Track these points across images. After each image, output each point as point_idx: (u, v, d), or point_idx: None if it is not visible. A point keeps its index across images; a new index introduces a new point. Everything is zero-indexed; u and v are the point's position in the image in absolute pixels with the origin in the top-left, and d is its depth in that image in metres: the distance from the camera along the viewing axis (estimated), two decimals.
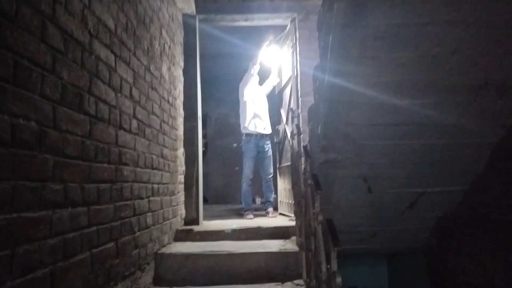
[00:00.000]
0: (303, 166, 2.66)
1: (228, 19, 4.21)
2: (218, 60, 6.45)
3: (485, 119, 2.49)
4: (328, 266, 1.74)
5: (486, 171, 2.81)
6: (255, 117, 4.60)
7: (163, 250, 2.87)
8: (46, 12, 1.40)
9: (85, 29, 1.70)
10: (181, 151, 3.67)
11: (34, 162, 1.32)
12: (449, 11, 1.86)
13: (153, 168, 2.67)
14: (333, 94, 2.40)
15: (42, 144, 1.36)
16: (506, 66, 2.14)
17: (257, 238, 3.33)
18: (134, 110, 2.32)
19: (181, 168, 3.65)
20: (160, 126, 2.91)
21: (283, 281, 2.63)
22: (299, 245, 2.81)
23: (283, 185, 4.62)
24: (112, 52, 2.00)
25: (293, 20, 4.16)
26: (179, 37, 3.81)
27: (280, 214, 4.59)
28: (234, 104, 5.44)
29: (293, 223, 3.29)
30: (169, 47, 3.32)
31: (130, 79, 2.26)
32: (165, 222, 3.00)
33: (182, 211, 3.65)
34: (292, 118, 3.32)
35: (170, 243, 3.16)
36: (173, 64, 3.46)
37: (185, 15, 3.96)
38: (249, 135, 4.60)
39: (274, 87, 5.04)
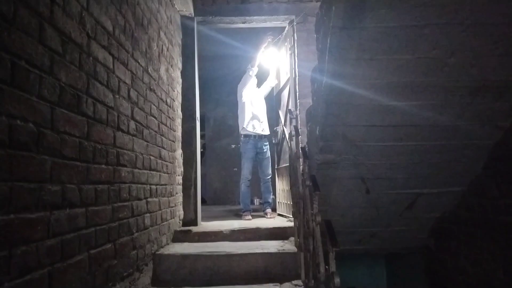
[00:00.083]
0: (301, 167, 2.66)
1: (226, 21, 4.22)
2: (216, 61, 6.46)
3: (483, 120, 2.50)
4: (327, 266, 1.74)
5: (483, 172, 2.82)
6: (253, 118, 4.61)
7: (162, 251, 2.87)
8: (44, 14, 1.40)
9: (83, 31, 1.70)
10: (179, 152, 3.67)
11: (32, 163, 1.32)
12: (447, 13, 1.86)
13: (151, 169, 2.67)
14: (331, 96, 2.40)
15: (39, 145, 1.36)
16: (503, 68, 2.15)
17: (255, 239, 3.34)
18: (132, 111, 2.32)
19: (179, 169, 3.66)
20: (158, 127, 2.91)
21: (281, 281, 2.63)
22: (298, 245, 2.81)
23: (282, 186, 4.63)
24: (110, 53, 2.01)
25: (291, 22, 4.17)
26: (177, 39, 3.81)
27: (279, 215, 4.60)
28: (232, 106, 5.46)
29: (291, 224, 3.30)
30: (167, 49, 3.32)
31: (128, 81, 2.27)
32: (163, 223, 3.00)
33: (180, 212, 3.65)
34: (290, 119, 3.33)
35: (168, 244, 3.15)
36: (171, 66, 3.46)
37: (183, 17, 3.97)
38: (247, 136, 4.61)
39: (272, 89, 5.05)
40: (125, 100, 2.20)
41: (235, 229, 3.43)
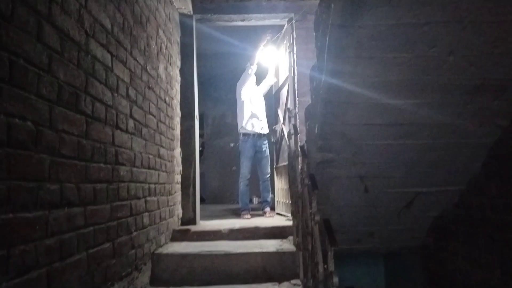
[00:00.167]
0: (300, 166, 2.66)
1: (225, 19, 4.21)
2: (215, 59, 6.45)
3: (482, 119, 2.50)
4: (325, 266, 1.74)
5: (482, 171, 2.82)
6: (252, 117, 4.61)
7: (160, 250, 2.86)
8: (42, 12, 1.39)
9: (81, 29, 1.69)
10: (178, 151, 3.67)
11: (30, 162, 1.31)
12: (446, 12, 1.86)
13: (149, 168, 2.66)
14: (330, 94, 2.40)
15: (38, 144, 1.35)
16: (502, 67, 2.15)
17: (254, 238, 3.33)
18: (131, 109, 2.31)
19: (178, 168, 3.65)
20: (157, 125, 2.90)
21: (280, 281, 2.63)
22: (296, 245, 2.81)
23: (280, 185, 4.63)
24: (109, 51, 2.00)
25: (290, 20, 4.16)
26: (176, 36, 3.80)
27: (277, 214, 4.60)
28: (231, 104, 5.45)
29: (290, 223, 3.29)
30: (166, 47, 3.31)
31: (127, 79, 2.26)
32: (162, 222, 2.99)
33: (179, 211, 3.64)
34: (289, 118, 3.33)
35: (167, 243, 3.15)
36: (170, 64, 3.46)
37: (182, 15, 3.96)
38: (246, 135, 4.60)
39: (271, 87, 5.05)
40: (123, 98, 2.19)
41: (234, 228, 3.43)
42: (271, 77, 4.91)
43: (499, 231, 2.64)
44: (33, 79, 1.33)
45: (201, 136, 5.76)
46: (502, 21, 1.90)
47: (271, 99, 5.26)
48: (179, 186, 3.66)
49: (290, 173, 3.38)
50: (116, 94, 2.08)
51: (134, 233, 2.34)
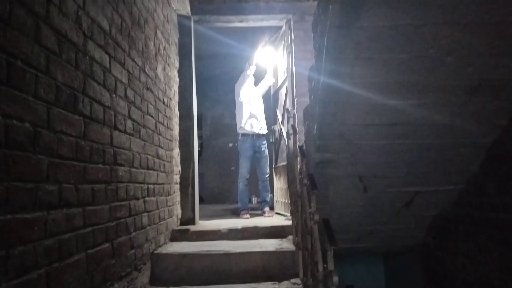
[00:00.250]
0: (299, 166, 2.66)
1: (223, 20, 4.21)
2: (213, 60, 6.45)
3: (480, 119, 2.50)
4: (325, 265, 1.74)
5: (481, 170, 2.83)
6: (251, 117, 4.61)
7: (160, 250, 2.87)
8: (40, 13, 1.39)
9: (79, 30, 1.69)
10: (176, 151, 3.67)
11: (28, 163, 1.32)
12: (444, 12, 1.86)
13: (148, 169, 2.66)
14: (328, 95, 2.40)
15: (36, 145, 1.36)
16: (501, 67, 2.16)
17: (253, 237, 3.34)
18: (129, 110, 2.32)
19: (177, 168, 3.65)
20: (155, 126, 2.90)
21: (280, 280, 2.63)
22: (296, 244, 2.81)
23: (279, 185, 4.63)
24: (107, 53, 2.00)
25: (288, 21, 4.16)
26: (174, 38, 3.80)
27: (277, 213, 4.60)
28: (230, 104, 5.45)
29: (289, 223, 3.30)
30: (164, 48, 3.31)
31: (125, 80, 2.26)
32: (161, 222, 2.99)
33: (178, 211, 3.65)
34: (288, 118, 3.33)
35: (166, 243, 3.15)
36: (168, 65, 3.46)
37: (180, 16, 3.96)
38: (245, 135, 4.61)
39: (270, 88, 5.05)
40: (122, 99, 2.20)
41: (233, 228, 3.43)
42: (270, 77, 4.92)
43: (498, 230, 2.65)
44: (30, 80, 1.33)
45: (199, 136, 5.77)
46: (500, 22, 1.91)
47: (270, 100, 5.26)
48: (178, 186, 3.66)
49: (289, 173, 3.38)
50: (114, 95, 2.08)
51: (133, 233, 2.34)
